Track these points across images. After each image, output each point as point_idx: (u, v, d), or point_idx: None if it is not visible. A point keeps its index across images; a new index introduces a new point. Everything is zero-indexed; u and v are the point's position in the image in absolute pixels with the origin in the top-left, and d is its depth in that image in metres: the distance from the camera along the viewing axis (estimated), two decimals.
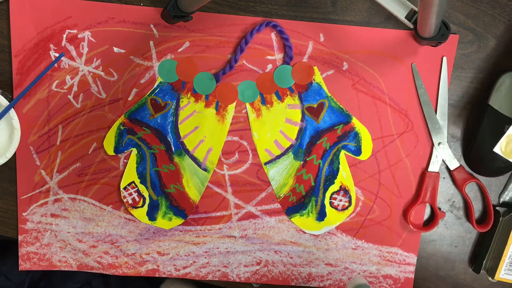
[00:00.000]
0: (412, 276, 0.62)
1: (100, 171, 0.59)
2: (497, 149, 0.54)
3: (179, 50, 0.57)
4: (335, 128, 0.59)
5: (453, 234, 0.62)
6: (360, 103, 0.58)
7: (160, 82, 0.58)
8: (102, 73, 0.57)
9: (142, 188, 0.60)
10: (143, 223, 0.61)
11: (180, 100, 0.58)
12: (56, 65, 0.57)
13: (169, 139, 0.59)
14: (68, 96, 0.58)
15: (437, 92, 0.58)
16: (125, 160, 0.59)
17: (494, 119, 0.56)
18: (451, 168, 0.59)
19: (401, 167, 0.59)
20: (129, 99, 0.58)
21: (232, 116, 0.58)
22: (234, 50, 0.57)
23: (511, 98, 0.56)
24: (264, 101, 0.58)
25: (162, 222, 0.61)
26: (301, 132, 0.59)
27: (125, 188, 0.59)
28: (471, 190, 0.61)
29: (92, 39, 0.56)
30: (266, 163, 0.59)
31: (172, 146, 0.59)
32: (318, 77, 0.58)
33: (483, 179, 0.60)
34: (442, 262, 0.62)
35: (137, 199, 0.60)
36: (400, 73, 0.57)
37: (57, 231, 0.61)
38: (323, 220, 0.60)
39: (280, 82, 0.58)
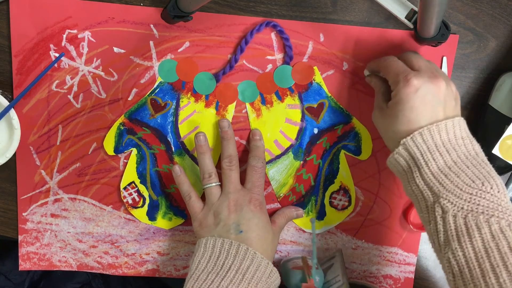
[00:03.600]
0: (412, 276, 0.62)
1: (100, 171, 0.59)
2: (495, 150, 0.54)
3: (179, 50, 0.57)
4: (335, 128, 0.59)
5: None
6: (360, 103, 0.58)
7: (160, 82, 0.58)
8: (102, 73, 0.57)
9: (142, 188, 0.60)
10: (143, 223, 0.61)
11: (180, 100, 0.58)
12: (56, 65, 0.57)
13: (169, 139, 0.59)
14: (68, 96, 0.58)
15: None
16: (125, 160, 0.59)
17: (494, 119, 0.56)
18: None
19: None
20: (129, 99, 0.58)
21: (232, 116, 0.58)
22: (234, 50, 0.57)
23: (511, 98, 0.56)
24: (264, 101, 0.58)
25: (162, 222, 0.61)
26: (301, 132, 0.59)
27: (125, 188, 0.59)
28: None
29: (92, 39, 0.56)
30: (266, 163, 0.59)
31: (172, 146, 0.59)
32: (318, 77, 0.58)
33: None
34: None
35: (137, 199, 0.60)
36: None
37: (57, 231, 0.61)
38: (322, 219, 0.60)
39: (280, 82, 0.58)
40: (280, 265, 0.59)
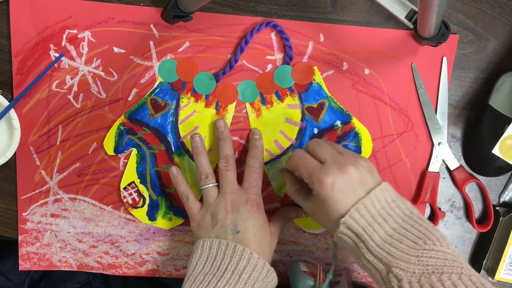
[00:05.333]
0: None
1: (100, 171, 0.59)
2: (495, 150, 0.54)
3: (179, 50, 0.57)
4: (335, 128, 0.59)
5: (453, 234, 0.62)
6: (360, 103, 0.58)
7: (160, 82, 0.58)
8: (102, 73, 0.57)
9: (142, 188, 0.60)
10: (143, 223, 0.61)
11: (180, 100, 0.58)
12: (56, 65, 0.57)
13: (169, 139, 0.59)
14: (68, 96, 0.58)
15: (437, 92, 0.58)
16: (125, 160, 0.59)
17: (494, 119, 0.56)
18: (451, 168, 0.59)
19: (401, 167, 0.59)
20: (129, 99, 0.58)
21: (232, 116, 0.58)
22: (234, 50, 0.57)
23: (511, 98, 0.56)
24: (264, 101, 0.58)
25: (162, 222, 0.61)
26: (301, 132, 0.59)
27: (125, 188, 0.59)
28: (471, 190, 0.61)
29: (92, 39, 0.56)
30: (266, 163, 0.59)
31: (172, 146, 0.59)
32: (318, 77, 0.58)
33: (483, 179, 0.60)
34: None
35: (137, 199, 0.60)
36: (400, 73, 0.57)
37: (57, 231, 0.61)
38: None
39: (280, 82, 0.58)
40: (291, 262, 0.59)
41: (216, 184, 0.55)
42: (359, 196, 0.46)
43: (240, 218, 0.52)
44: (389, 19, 0.56)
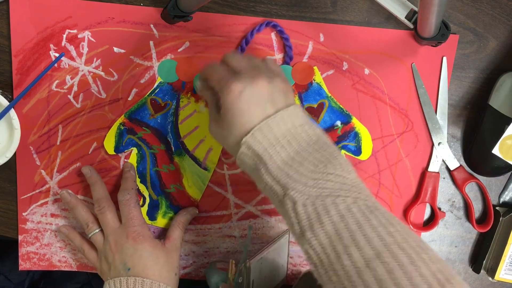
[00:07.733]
0: None
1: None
2: (495, 150, 0.54)
3: (179, 50, 0.57)
4: (335, 128, 0.59)
5: (453, 234, 0.62)
6: (360, 103, 0.58)
7: (160, 82, 0.58)
8: (102, 73, 0.57)
9: (142, 187, 0.60)
10: None
11: (180, 100, 0.58)
12: (56, 65, 0.57)
13: (169, 139, 0.59)
14: (68, 96, 0.58)
15: (437, 92, 0.58)
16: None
17: (494, 119, 0.56)
18: (451, 168, 0.59)
19: (401, 167, 0.59)
20: (129, 99, 0.58)
21: None
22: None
23: (511, 98, 0.56)
24: None
25: (162, 221, 0.61)
26: None
27: None
28: (471, 190, 0.61)
29: (92, 39, 0.56)
30: None
31: (172, 146, 0.59)
32: (318, 77, 0.58)
33: (483, 179, 0.60)
34: None
35: None
36: (400, 73, 0.57)
37: (57, 231, 0.61)
38: None
39: None
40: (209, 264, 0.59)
41: (100, 229, 0.56)
42: (266, 113, 0.43)
43: (125, 255, 0.53)
44: (389, 19, 0.56)
